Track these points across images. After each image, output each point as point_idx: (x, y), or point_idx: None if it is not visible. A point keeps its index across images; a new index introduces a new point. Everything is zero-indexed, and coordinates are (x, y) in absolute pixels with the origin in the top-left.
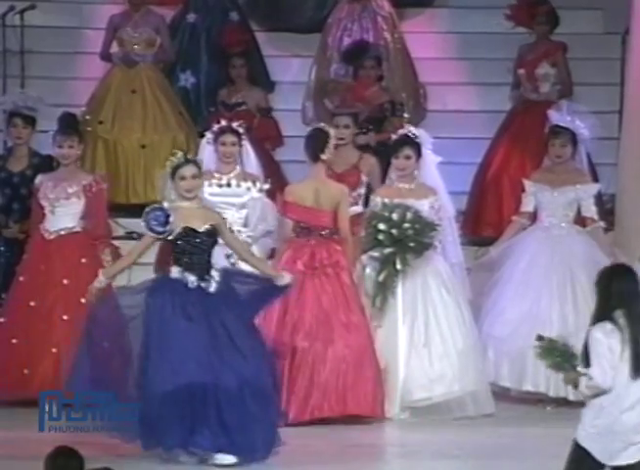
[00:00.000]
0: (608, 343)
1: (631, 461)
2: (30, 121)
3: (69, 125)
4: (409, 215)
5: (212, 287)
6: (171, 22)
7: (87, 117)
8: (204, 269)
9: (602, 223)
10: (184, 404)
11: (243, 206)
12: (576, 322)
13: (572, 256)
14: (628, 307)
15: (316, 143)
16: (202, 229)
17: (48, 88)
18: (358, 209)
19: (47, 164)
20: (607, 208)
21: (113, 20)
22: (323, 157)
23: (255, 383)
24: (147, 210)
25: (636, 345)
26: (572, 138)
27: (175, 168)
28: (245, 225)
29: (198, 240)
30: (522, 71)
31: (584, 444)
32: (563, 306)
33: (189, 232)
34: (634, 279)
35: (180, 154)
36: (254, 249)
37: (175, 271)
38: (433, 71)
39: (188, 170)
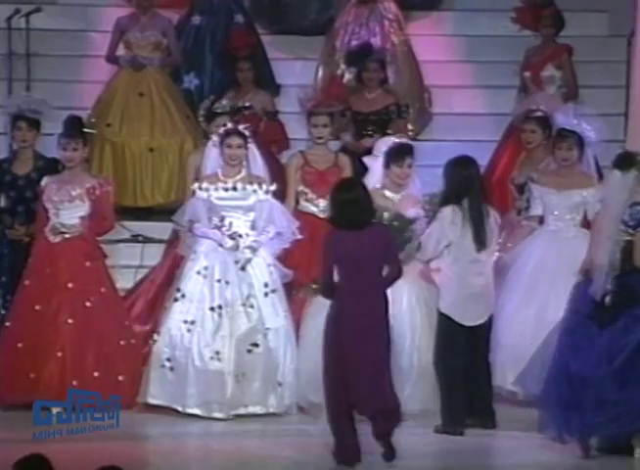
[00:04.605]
0: None
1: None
2: (35, 124)
3: (74, 128)
4: (386, 215)
5: None
6: (177, 24)
7: (92, 120)
8: None
9: None
10: None
11: (250, 209)
12: None
13: (579, 259)
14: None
15: None
16: None
17: (54, 91)
18: None
19: (52, 167)
20: None
21: (119, 22)
22: None
23: None
24: None
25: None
26: (579, 141)
27: None
28: (252, 228)
29: None
30: (527, 74)
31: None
32: None
33: None
34: None
35: None
36: (262, 251)
37: None
38: (439, 74)
39: None
